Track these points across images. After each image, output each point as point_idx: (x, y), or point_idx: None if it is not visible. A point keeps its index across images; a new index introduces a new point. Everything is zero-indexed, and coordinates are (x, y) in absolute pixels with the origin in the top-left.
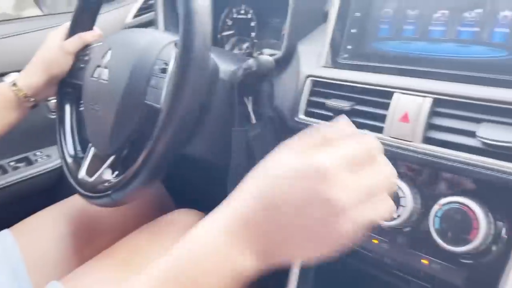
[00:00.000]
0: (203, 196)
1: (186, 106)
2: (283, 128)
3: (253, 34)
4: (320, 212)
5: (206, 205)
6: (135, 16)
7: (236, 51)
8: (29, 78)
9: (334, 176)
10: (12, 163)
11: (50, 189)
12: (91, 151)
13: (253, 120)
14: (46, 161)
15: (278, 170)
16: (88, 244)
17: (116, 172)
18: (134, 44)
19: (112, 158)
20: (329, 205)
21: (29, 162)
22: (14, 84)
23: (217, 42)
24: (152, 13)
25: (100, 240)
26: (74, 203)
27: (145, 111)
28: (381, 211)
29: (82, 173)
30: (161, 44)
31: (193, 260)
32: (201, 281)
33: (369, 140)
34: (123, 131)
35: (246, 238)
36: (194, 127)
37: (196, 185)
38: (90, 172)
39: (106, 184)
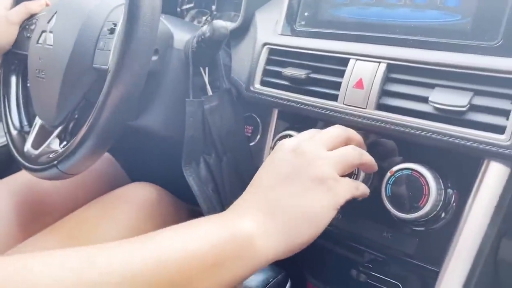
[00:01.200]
0: (158, 170)
1: (133, 66)
2: (241, 100)
3: (213, 7)
4: (289, 158)
5: (161, 179)
6: None
7: (195, 24)
8: None
9: (291, 139)
10: None
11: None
12: (38, 123)
13: (209, 92)
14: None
15: (266, 162)
16: (34, 220)
17: (64, 143)
18: (82, 7)
19: (59, 128)
20: (294, 151)
21: None
22: None
23: (177, 15)
24: None
25: (48, 217)
26: (19, 179)
27: (94, 76)
28: (360, 187)
29: (28, 146)
30: (110, 6)
31: (199, 232)
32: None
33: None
34: (70, 99)
35: (240, 208)
36: (145, 95)
37: (150, 159)
38: (36, 144)
39: (52, 155)
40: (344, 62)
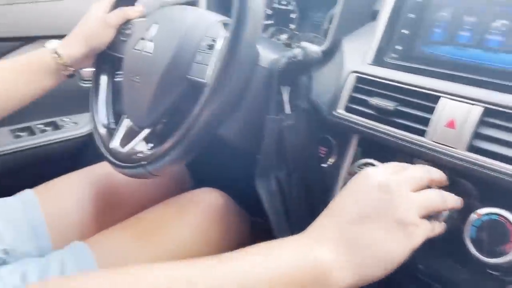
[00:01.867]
0: (224, 178)
1: (232, 84)
2: (318, 122)
3: (292, 26)
4: (375, 194)
5: (226, 186)
6: None
7: (274, 40)
8: (70, 48)
9: (377, 170)
10: (40, 126)
11: (74, 156)
12: (125, 122)
13: (288, 110)
14: (72, 127)
15: (356, 185)
16: (107, 212)
17: (151, 145)
18: (182, 20)
19: (147, 130)
20: (380, 187)
21: (56, 126)
22: (56, 52)
23: None
24: None
25: (119, 210)
26: (97, 171)
27: (186, 86)
28: (436, 228)
29: (115, 143)
30: (208, 21)
31: (267, 254)
32: (283, 276)
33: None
34: (161, 104)
35: (321, 236)
36: (233, 108)
37: (219, 167)
38: (123, 143)
39: (140, 155)
40: (435, 99)
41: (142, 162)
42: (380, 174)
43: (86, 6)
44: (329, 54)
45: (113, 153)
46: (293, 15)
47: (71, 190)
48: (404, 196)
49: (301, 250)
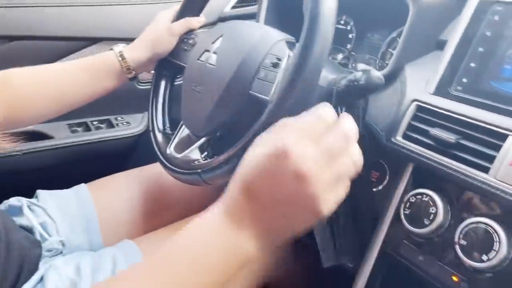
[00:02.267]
0: None
1: (295, 103)
2: (372, 145)
3: (349, 46)
4: (291, 184)
5: None
6: (234, 7)
7: (330, 59)
8: (135, 53)
9: (296, 151)
10: (95, 123)
11: (124, 154)
12: (182, 129)
13: None
14: (126, 127)
15: (252, 158)
16: (156, 213)
17: (205, 153)
18: (247, 35)
19: (203, 139)
20: (297, 177)
21: (110, 124)
22: (121, 55)
23: None
24: (252, 7)
25: (167, 212)
26: (148, 172)
27: (247, 100)
28: (340, 190)
29: (171, 149)
30: (273, 39)
31: (196, 240)
32: (203, 260)
33: (343, 129)
34: (220, 115)
35: (241, 221)
36: None
37: None
38: (179, 149)
39: (196, 163)
40: (502, 137)
41: (198, 170)
42: (298, 157)
43: (151, 13)
44: (390, 79)
45: (169, 159)
46: (350, 35)
47: (122, 189)
48: (320, 188)
49: (229, 240)
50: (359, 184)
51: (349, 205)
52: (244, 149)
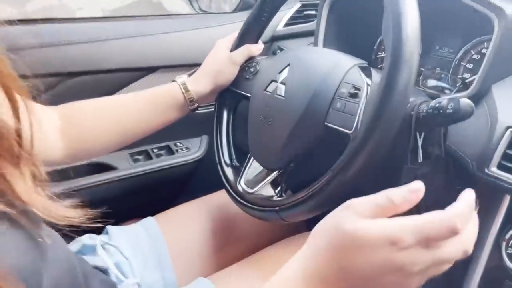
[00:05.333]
0: None
1: (381, 137)
2: (457, 173)
3: None
4: (394, 277)
5: None
6: (286, 24)
7: None
8: (198, 85)
9: (408, 249)
10: (155, 150)
11: (184, 180)
12: (251, 162)
13: (420, 158)
14: (185, 152)
15: (353, 236)
16: (226, 246)
17: (279, 188)
18: (317, 64)
19: (275, 172)
20: (403, 273)
21: (170, 151)
22: (185, 87)
23: (371, 63)
24: (305, 24)
25: (238, 245)
26: (214, 202)
27: (321, 132)
28: (442, 269)
29: (241, 184)
30: (345, 66)
31: None
32: None
33: (448, 217)
34: (293, 148)
35: None
36: (378, 161)
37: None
38: (250, 184)
39: (272, 199)
40: None
41: (275, 208)
42: (411, 257)
43: (208, 37)
44: (476, 101)
45: (241, 194)
46: None
47: (190, 221)
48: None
49: None
50: None
51: None
52: (325, 187)
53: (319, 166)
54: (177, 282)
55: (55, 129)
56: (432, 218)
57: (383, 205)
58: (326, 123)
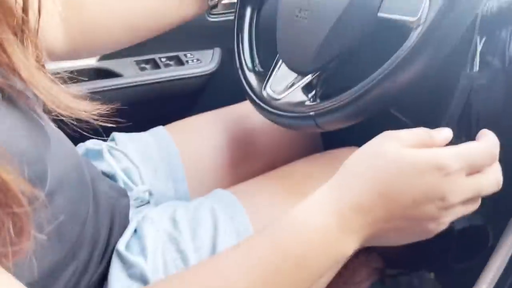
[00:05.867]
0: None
1: (456, 26)
2: None
3: None
4: (433, 207)
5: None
6: None
7: None
8: None
9: (453, 176)
10: (163, 59)
11: (196, 94)
12: (279, 66)
13: (477, 67)
14: (196, 64)
15: (400, 161)
16: (244, 160)
17: (313, 93)
18: None
19: (309, 76)
20: (442, 202)
21: (179, 62)
22: None
23: None
24: None
25: (255, 160)
26: (231, 114)
27: (372, 25)
28: (468, 210)
29: (268, 90)
30: None
31: (301, 242)
32: (309, 262)
33: (490, 146)
34: (334, 47)
35: (356, 224)
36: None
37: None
38: (278, 89)
39: (307, 104)
40: None
41: (310, 113)
42: (453, 185)
43: None
44: None
45: (267, 101)
46: None
47: (205, 132)
48: (450, 215)
49: (327, 244)
50: (501, 131)
51: None
52: (374, 87)
53: (365, 67)
54: (189, 194)
55: (56, 16)
56: (477, 146)
57: (425, 138)
58: (380, 13)
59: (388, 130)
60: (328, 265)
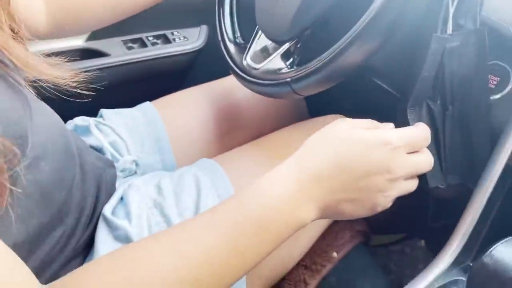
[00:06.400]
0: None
1: None
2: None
3: None
4: (381, 178)
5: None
6: None
7: None
8: None
9: (397, 151)
10: (150, 38)
11: (183, 72)
12: (258, 37)
13: (450, 29)
14: (183, 42)
15: (353, 138)
16: (228, 132)
17: (290, 60)
18: None
19: (286, 45)
20: (389, 175)
21: (166, 40)
22: None
23: None
24: None
25: (240, 132)
26: (215, 88)
27: None
28: (409, 187)
29: (248, 60)
30: None
31: (263, 206)
32: (270, 226)
33: (425, 131)
34: (308, 15)
35: (315, 192)
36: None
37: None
38: (257, 58)
39: (283, 72)
40: None
41: (286, 79)
42: (398, 158)
43: None
44: None
45: (246, 70)
46: None
47: (191, 106)
48: (395, 188)
49: (287, 209)
50: (474, 93)
51: (458, 118)
52: (344, 50)
53: (338, 33)
54: (177, 166)
55: None
56: (415, 130)
57: (373, 125)
58: None
59: (370, 97)
60: (287, 231)
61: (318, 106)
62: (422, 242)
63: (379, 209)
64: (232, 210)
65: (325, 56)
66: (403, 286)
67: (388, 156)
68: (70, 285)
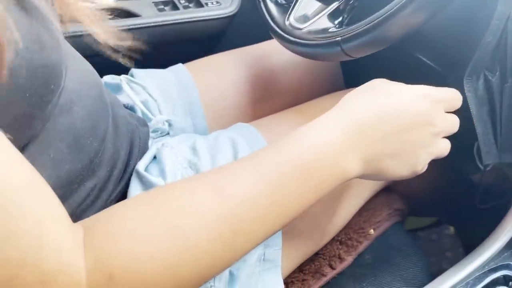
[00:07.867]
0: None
1: None
2: None
3: None
4: (424, 130)
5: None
6: None
7: None
8: None
9: (438, 104)
10: (182, 1)
11: (216, 37)
12: None
13: None
14: (216, 6)
15: (392, 90)
16: (264, 99)
17: (339, 20)
18: None
19: (335, 3)
20: (432, 127)
21: (199, 3)
22: None
23: None
24: None
25: (276, 99)
26: (252, 53)
27: None
28: (446, 148)
29: (291, 20)
30: None
31: (307, 149)
32: (312, 173)
33: (458, 94)
34: None
35: (358, 142)
36: None
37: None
38: (301, 18)
39: (332, 31)
40: None
41: (336, 38)
42: (439, 115)
43: None
44: None
45: (289, 31)
46: None
47: (225, 71)
48: (433, 148)
49: (331, 156)
50: None
51: None
52: (406, 6)
53: None
54: (209, 131)
55: None
56: (449, 90)
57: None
58: None
59: (409, 72)
60: (331, 180)
61: (354, 80)
62: (452, 229)
63: (419, 168)
64: (273, 154)
65: (381, 13)
66: (443, 271)
67: (430, 108)
68: (105, 214)
